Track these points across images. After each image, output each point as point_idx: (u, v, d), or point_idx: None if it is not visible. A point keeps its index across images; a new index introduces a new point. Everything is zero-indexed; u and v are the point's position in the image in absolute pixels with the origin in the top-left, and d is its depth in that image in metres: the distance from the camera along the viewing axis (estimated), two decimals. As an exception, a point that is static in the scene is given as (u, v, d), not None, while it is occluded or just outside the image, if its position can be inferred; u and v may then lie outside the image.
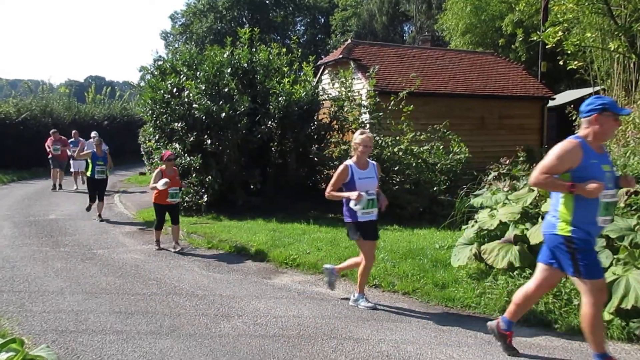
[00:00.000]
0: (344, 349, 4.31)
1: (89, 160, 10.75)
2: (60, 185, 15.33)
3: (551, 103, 17.51)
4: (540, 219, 5.89)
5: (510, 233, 5.87)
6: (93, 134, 13.53)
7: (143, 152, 17.45)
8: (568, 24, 10.61)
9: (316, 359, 4.13)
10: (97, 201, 10.69)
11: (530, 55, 24.67)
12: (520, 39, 15.43)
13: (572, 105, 11.32)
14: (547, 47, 11.52)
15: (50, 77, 70.13)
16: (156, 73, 12.28)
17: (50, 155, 15.34)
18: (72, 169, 15.61)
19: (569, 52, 10.58)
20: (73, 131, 16.11)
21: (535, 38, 11.13)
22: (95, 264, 7.08)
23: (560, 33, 10.13)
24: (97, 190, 10.69)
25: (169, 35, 51.41)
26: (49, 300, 5.49)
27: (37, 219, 10.53)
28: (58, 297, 5.62)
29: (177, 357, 4.13)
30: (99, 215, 10.61)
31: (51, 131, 15.69)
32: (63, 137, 15.68)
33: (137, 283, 6.20)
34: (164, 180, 7.77)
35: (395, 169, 10.77)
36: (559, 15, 10.61)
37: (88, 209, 10.95)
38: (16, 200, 13.04)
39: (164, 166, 8.11)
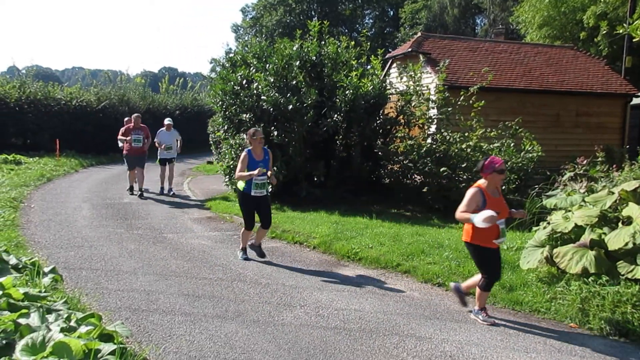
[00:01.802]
0: (405, 346, 4.26)
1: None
2: (141, 189, 11.86)
3: (635, 101, 16.40)
4: (620, 224, 5.55)
5: (587, 237, 5.56)
6: (167, 120, 12.61)
7: (212, 142, 17.98)
8: (659, 16, 9.87)
9: (377, 354, 4.11)
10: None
11: (613, 50, 23.18)
12: (604, 32, 14.55)
13: (659, 104, 10.55)
14: (633, 40, 10.78)
15: (127, 68, 73.92)
16: (227, 65, 12.58)
17: (126, 151, 11.73)
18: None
19: (658, 46, 9.86)
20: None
21: (620, 31, 10.42)
22: (165, 248, 7.39)
23: (649, 26, 9.43)
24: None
25: (239, 28, 52.62)
26: (123, 280, 5.79)
27: (113, 202, 11.12)
28: (131, 276, 5.92)
29: (242, 341, 4.24)
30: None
31: (133, 116, 11.82)
32: (144, 125, 11.93)
33: (204, 268, 6.42)
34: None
35: (463, 166, 10.48)
36: (648, 7, 9.89)
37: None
38: (95, 184, 13.83)
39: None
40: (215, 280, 5.93)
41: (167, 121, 12.53)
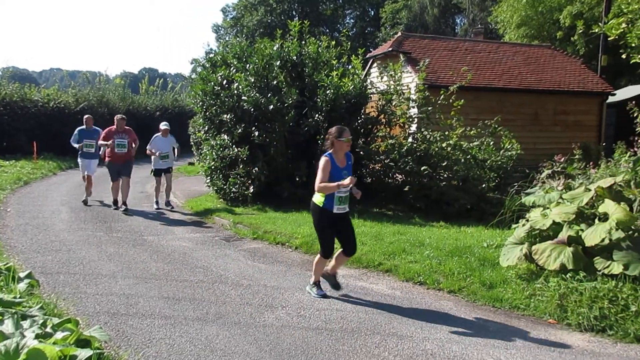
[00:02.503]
0: (387, 345, 4.27)
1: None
2: (125, 202, 10.38)
3: (611, 99, 16.70)
4: (597, 220, 5.64)
5: (564, 234, 5.64)
6: (163, 124, 11.15)
7: (193, 143, 17.83)
8: (632, 15, 10.04)
9: (359, 353, 4.11)
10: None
11: (590, 49, 23.59)
12: (580, 31, 14.79)
13: (633, 102, 10.76)
14: (608, 40, 10.99)
15: (106, 69, 72.73)
16: (207, 65, 12.50)
17: (108, 158, 10.35)
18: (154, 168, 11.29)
19: (633, 44, 10.04)
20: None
21: (596, 30, 10.61)
22: (145, 250, 7.31)
23: (624, 25, 9.60)
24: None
25: (220, 28, 52.34)
26: (102, 283, 5.71)
27: (92, 204, 10.96)
28: (110, 280, 5.84)
29: (222, 344, 4.21)
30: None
31: (116, 117, 10.45)
32: (129, 128, 10.54)
33: (184, 270, 6.36)
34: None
35: (443, 164, 10.55)
36: (622, 6, 10.07)
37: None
38: (73, 187, 13.62)
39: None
40: (196, 282, 5.88)
41: (163, 126, 11.03)
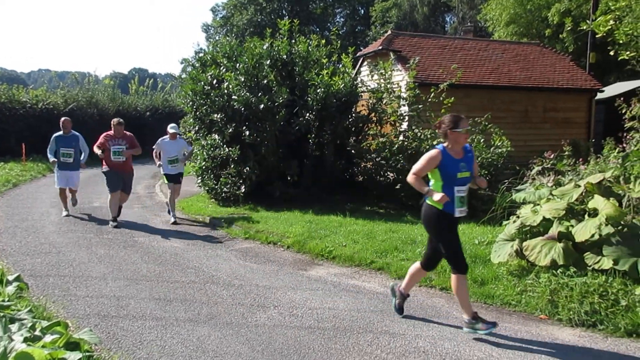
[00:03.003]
0: (379, 343, 4.27)
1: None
2: (115, 217, 9.12)
3: (600, 96, 16.82)
4: (586, 216, 5.67)
5: (554, 230, 5.67)
6: (171, 127, 9.54)
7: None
8: (620, 12, 10.13)
9: (352, 352, 4.10)
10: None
11: (578, 46, 23.77)
12: (569, 28, 14.88)
13: (622, 98, 10.83)
14: (596, 37, 11.06)
15: (95, 69, 72.64)
16: (197, 65, 12.43)
17: (105, 166, 9.08)
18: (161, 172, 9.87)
19: (621, 42, 10.12)
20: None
21: (584, 27, 10.68)
22: (136, 251, 7.26)
23: (611, 22, 9.67)
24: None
25: (210, 27, 52.12)
26: (92, 285, 5.66)
27: (82, 206, 10.87)
28: (101, 282, 5.79)
29: (214, 345, 4.18)
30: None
31: (113, 122, 9.18)
32: (129, 134, 9.27)
33: (176, 271, 6.32)
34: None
35: (435, 162, 10.58)
36: (610, 4, 10.14)
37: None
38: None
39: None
40: (188, 283, 5.85)
41: (171, 129, 9.45)
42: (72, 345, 3.24)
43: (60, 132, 9.78)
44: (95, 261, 6.70)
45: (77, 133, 9.92)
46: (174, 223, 9.31)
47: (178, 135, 9.60)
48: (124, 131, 9.19)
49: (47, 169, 17.24)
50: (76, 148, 9.77)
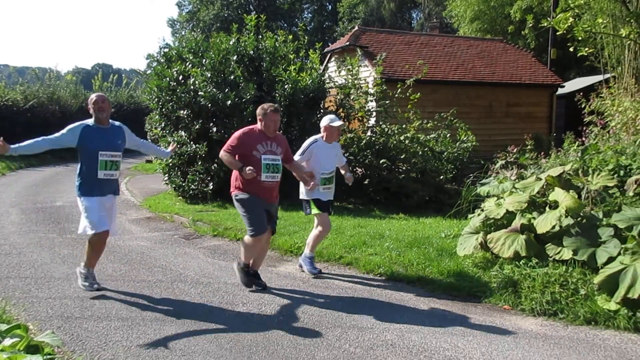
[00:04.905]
0: (348, 337, 4.31)
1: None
2: (257, 274, 5.68)
3: (560, 91, 17.31)
4: (547, 208, 5.84)
5: (517, 222, 5.82)
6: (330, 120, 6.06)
7: (149, 140, 17.40)
8: (579, 9, 10.42)
9: (320, 347, 4.12)
10: None
11: (540, 43, 24.39)
12: (530, 25, 15.24)
13: (581, 93, 11.17)
14: (557, 33, 11.36)
15: (57, 65, 70.35)
16: (162, 60, 12.21)
17: (236, 189, 5.37)
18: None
19: (580, 38, 10.42)
20: None
21: (545, 24, 10.94)
22: (101, 251, 7.09)
23: (570, 19, 9.95)
24: None
25: (175, 22, 51.25)
26: (55, 287, 5.52)
27: (45, 205, 10.58)
28: (64, 283, 5.65)
29: (182, 343, 4.14)
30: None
31: (265, 108, 5.31)
32: (281, 135, 5.80)
33: (142, 270, 6.22)
34: None
35: (402, 157, 10.70)
36: (569, 1, 10.43)
37: None
38: (24, 187, 13.10)
39: None
40: (155, 282, 5.76)
41: (332, 122, 5.98)
42: (33, 349, 3.15)
43: (90, 121, 5.34)
44: (58, 262, 6.53)
45: (120, 123, 5.65)
46: (319, 273, 6.07)
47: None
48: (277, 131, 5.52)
49: (7, 167, 16.69)
50: (122, 151, 5.51)
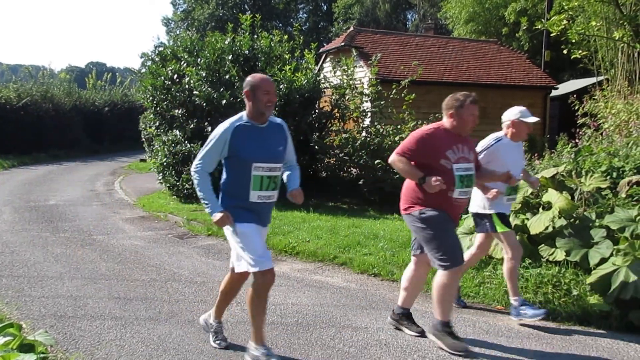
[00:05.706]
0: (342, 337, 4.32)
1: None
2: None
3: (554, 93, 17.40)
4: (541, 209, 5.87)
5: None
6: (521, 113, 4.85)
7: (144, 139, 17.38)
8: (573, 12, 10.52)
9: (315, 346, 4.13)
10: None
11: (534, 44, 24.51)
12: (524, 27, 15.35)
13: (574, 95, 11.25)
14: (551, 35, 11.45)
15: (50, 63, 70.17)
16: (157, 59, 12.19)
17: (420, 207, 4.01)
18: None
19: (573, 41, 10.51)
20: None
21: (539, 26, 11.03)
22: (94, 250, 7.08)
23: (564, 21, 10.03)
24: None
25: (170, 21, 51.10)
26: (48, 286, 5.50)
27: (38, 204, 10.53)
28: (57, 282, 5.63)
29: (175, 343, 4.14)
30: None
31: (461, 96, 4.09)
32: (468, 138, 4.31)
33: (136, 269, 6.21)
34: None
35: (396, 157, 10.72)
36: (563, 3, 10.51)
37: None
38: (17, 186, 13.03)
39: None
40: (148, 281, 5.75)
41: (525, 116, 4.70)
42: (26, 347, 3.14)
43: (241, 116, 3.84)
44: (51, 260, 6.50)
45: (280, 119, 4.10)
46: (545, 314, 4.63)
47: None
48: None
49: (0, 165, 16.58)
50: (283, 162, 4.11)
